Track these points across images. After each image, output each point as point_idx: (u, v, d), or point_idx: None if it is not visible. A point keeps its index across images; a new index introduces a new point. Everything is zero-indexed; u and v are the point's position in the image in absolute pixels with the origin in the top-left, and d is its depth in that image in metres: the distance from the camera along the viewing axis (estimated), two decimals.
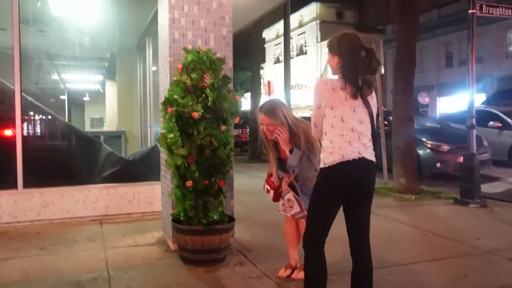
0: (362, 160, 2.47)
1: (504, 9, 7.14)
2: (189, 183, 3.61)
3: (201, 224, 3.67)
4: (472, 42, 6.83)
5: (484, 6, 6.94)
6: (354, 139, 2.46)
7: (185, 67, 3.68)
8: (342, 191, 2.49)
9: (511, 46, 23.83)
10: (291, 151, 3.18)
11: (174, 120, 3.59)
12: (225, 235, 3.72)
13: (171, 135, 3.58)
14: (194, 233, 3.63)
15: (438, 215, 5.94)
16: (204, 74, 3.64)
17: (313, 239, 2.54)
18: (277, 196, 3.54)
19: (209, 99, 3.58)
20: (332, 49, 2.58)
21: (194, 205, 3.67)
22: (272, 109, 3.23)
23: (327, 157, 2.48)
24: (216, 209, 3.73)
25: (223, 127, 3.71)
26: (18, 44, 5.22)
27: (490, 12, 7.02)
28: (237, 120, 3.87)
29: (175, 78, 3.74)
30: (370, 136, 2.54)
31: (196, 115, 3.54)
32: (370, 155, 2.51)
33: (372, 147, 2.55)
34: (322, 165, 2.51)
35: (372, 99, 2.57)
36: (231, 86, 3.93)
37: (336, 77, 2.56)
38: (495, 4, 7.27)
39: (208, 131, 3.62)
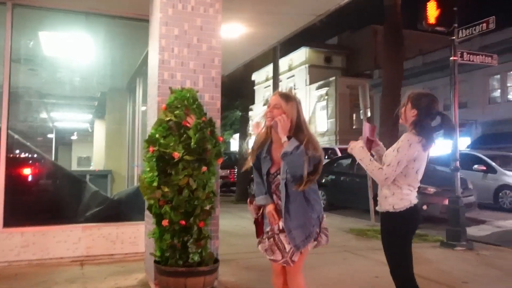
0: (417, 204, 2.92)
1: (484, 56, 7.41)
2: (164, 222, 3.56)
3: (178, 265, 3.58)
4: (455, 87, 7.03)
5: (465, 53, 7.20)
6: (416, 187, 2.91)
7: (169, 106, 3.72)
8: (414, 230, 2.97)
9: (493, 92, 24.53)
10: (288, 138, 2.80)
11: (154, 160, 3.58)
12: (209, 277, 3.64)
13: (150, 175, 3.57)
14: (177, 275, 3.54)
15: (425, 258, 5.90)
16: (189, 115, 3.65)
17: (407, 274, 2.91)
18: (261, 230, 3.03)
19: (192, 140, 3.57)
20: (413, 102, 2.90)
21: (171, 245, 3.60)
22: (289, 95, 2.96)
23: (399, 203, 2.84)
24: (197, 250, 3.66)
25: (204, 168, 3.66)
26: (8, 82, 5.25)
27: (471, 60, 7.27)
28: (220, 161, 3.86)
29: (159, 117, 3.77)
30: None
31: (176, 155, 3.54)
32: None
33: None
34: (392, 210, 2.84)
35: None
36: (218, 126, 3.96)
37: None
38: (476, 52, 7.55)
39: (188, 171, 3.59)
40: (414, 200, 2.88)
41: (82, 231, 5.39)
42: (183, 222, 3.59)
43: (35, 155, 6.99)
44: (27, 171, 6.32)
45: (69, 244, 5.31)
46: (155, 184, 3.56)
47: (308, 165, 2.76)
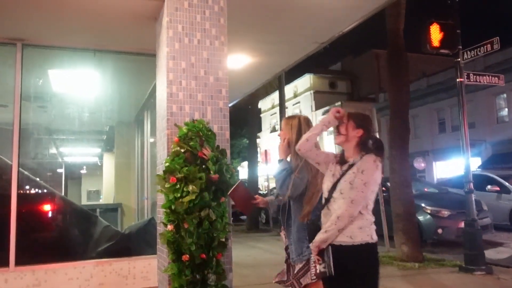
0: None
1: (491, 77, 7.42)
2: (185, 257, 3.50)
3: None
4: (463, 109, 7.01)
5: (471, 74, 7.21)
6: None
7: (182, 138, 3.71)
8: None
9: (501, 111, 24.44)
10: (279, 161, 3.00)
11: (181, 184, 3.52)
12: None
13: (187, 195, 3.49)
14: None
15: (445, 285, 5.75)
16: (203, 147, 3.66)
17: None
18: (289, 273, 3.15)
19: (211, 171, 3.56)
20: (357, 121, 2.69)
21: (192, 280, 3.54)
22: (289, 116, 3.13)
23: (373, 234, 2.60)
24: (220, 282, 3.60)
25: (222, 199, 3.67)
26: (19, 120, 5.31)
27: (478, 80, 7.28)
28: None
29: (173, 149, 3.75)
30: None
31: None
32: None
33: None
34: (371, 241, 2.57)
35: None
36: (228, 156, 3.96)
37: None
38: (482, 73, 7.56)
39: (208, 202, 3.57)
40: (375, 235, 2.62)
41: (94, 267, 5.33)
42: (203, 256, 3.53)
43: (46, 191, 7.01)
44: (38, 208, 6.32)
45: (81, 281, 5.25)
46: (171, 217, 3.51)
47: (292, 188, 2.85)
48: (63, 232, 5.95)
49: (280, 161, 2.99)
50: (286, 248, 3.11)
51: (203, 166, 3.62)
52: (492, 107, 24.41)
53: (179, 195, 3.51)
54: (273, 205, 3.22)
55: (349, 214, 2.49)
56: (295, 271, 2.94)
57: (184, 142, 3.67)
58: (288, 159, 3.06)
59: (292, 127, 3.00)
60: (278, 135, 3.09)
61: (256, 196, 3.35)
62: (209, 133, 3.80)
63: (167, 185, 3.57)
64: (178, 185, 3.52)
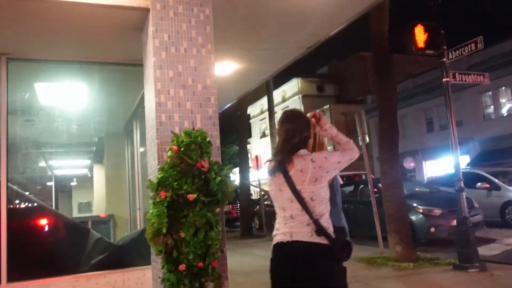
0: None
1: (476, 76, 7.51)
2: (182, 267, 3.48)
3: None
4: (450, 108, 7.09)
5: (457, 74, 7.30)
6: None
7: (181, 148, 3.68)
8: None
9: (487, 109, 24.75)
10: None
11: (165, 204, 3.53)
12: None
13: (159, 221, 3.51)
14: None
15: (440, 284, 5.79)
16: (202, 159, 3.65)
17: None
18: None
19: (212, 183, 3.58)
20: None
21: None
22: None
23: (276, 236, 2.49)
24: None
25: (217, 210, 3.68)
26: (6, 135, 5.24)
27: (463, 80, 7.37)
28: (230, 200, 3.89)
29: (168, 160, 3.72)
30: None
31: (191, 197, 3.51)
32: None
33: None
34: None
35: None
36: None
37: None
38: (467, 72, 7.66)
39: (203, 212, 3.57)
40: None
41: (88, 281, 5.26)
42: (200, 264, 3.54)
43: (36, 205, 6.92)
44: (28, 223, 6.24)
45: None
46: (163, 231, 3.49)
47: None
48: (55, 246, 5.87)
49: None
50: None
51: (202, 176, 3.61)
52: (478, 105, 24.72)
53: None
54: None
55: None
56: None
57: (183, 153, 3.64)
58: None
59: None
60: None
61: None
62: (208, 143, 3.80)
63: (157, 199, 3.56)
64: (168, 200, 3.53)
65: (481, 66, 20.63)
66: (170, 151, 3.74)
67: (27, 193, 6.62)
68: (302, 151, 2.51)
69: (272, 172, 2.49)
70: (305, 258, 2.31)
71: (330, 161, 2.47)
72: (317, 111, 2.79)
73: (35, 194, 10.08)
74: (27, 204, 6.68)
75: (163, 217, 3.50)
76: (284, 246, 2.37)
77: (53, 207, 12.16)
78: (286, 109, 2.77)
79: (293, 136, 2.52)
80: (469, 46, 7.17)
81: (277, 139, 2.64)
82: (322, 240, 2.32)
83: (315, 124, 2.70)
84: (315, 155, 2.51)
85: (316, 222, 2.34)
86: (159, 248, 3.53)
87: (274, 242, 2.46)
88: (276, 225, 2.49)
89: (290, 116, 2.70)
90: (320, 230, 2.33)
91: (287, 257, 2.36)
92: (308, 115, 2.70)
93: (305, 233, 2.34)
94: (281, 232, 2.42)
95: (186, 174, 3.60)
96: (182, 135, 3.78)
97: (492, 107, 24.38)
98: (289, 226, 2.39)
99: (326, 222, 2.39)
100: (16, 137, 6.61)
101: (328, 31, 5.84)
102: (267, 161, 2.67)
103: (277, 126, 2.67)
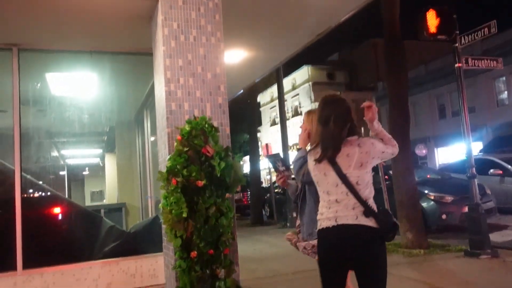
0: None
1: (489, 61, 7.39)
2: (193, 254, 3.53)
3: None
4: (463, 94, 7.00)
5: (469, 59, 7.18)
6: None
7: (185, 137, 3.72)
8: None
9: (500, 94, 24.39)
10: (298, 149, 3.20)
11: (179, 191, 3.55)
12: None
13: (176, 207, 3.53)
14: None
15: (451, 270, 5.77)
16: (207, 145, 3.67)
17: None
18: None
19: (217, 169, 3.59)
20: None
21: (201, 276, 3.57)
22: (309, 111, 3.34)
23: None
24: (229, 276, 3.64)
25: (227, 195, 3.71)
26: (19, 125, 5.32)
27: (476, 65, 7.25)
28: (239, 187, 3.90)
29: (176, 148, 3.76)
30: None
31: (200, 183, 3.54)
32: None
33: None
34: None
35: None
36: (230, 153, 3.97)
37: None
38: (480, 57, 7.54)
39: (213, 199, 3.60)
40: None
41: (101, 267, 5.36)
42: (211, 252, 3.58)
43: (49, 194, 7.04)
44: (42, 211, 6.35)
45: (89, 281, 5.28)
46: (184, 215, 3.52)
47: (306, 174, 2.89)
48: (69, 234, 5.98)
49: (299, 149, 3.22)
50: (298, 227, 3.37)
51: (207, 163, 3.64)
52: (491, 90, 24.36)
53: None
54: (292, 187, 3.43)
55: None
56: (303, 247, 3.19)
57: (187, 140, 3.67)
58: (308, 148, 3.26)
59: (313, 120, 3.21)
60: (300, 127, 3.34)
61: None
62: (212, 129, 3.81)
63: (171, 187, 3.59)
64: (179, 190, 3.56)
65: (495, 51, 20.28)
66: (176, 142, 3.79)
67: (40, 182, 6.72)
68: (349, 137, 2.55)
69: (319, 160, 2.53)
70: (354, 241, 2.37)
71: (376, 148, 2.54)
72: (374, 104, 2.76)
73: (49, 183, 10.21)
74: (41, 193, 6.79)
75: (181, 203, 3.53)
76: (330, 231, 2.42)
77: (66, 196, 12.32)
78: (326, 95, 2.78)
79: (336, 122, 2.53)
80: (482, 30, 7.04)
81: (316, 125, 2.67)
82: (368, 222, 2.37)
83: (366, 113, 2.68)
84: (362, 140, 2.54)
85: (364, 204, 2.40)
86: (180, 233, 3.55)
87: (320, 227, 2.50)
88: (320, 209, 2.54)
89: (330, 102, 2.68)
90: (368, 211, 2.39)
91: (335, 243, 2.42)
92: (364, 104, 2.67)
93: (350, 217, 2.39)
94: (326, 217, 2.47)
95: (194, 161, 3.62)
96: (186, 125, 3.81)
97: (506, 92, 24.01)
98: (334, 211, 2.44)
99: (373, 205, 2.45)
100: (29, 127, 6.69)
101: (339, 17, 5.78)
102: (310, 149, 2.72)
103: (316, 113, 2.69)
